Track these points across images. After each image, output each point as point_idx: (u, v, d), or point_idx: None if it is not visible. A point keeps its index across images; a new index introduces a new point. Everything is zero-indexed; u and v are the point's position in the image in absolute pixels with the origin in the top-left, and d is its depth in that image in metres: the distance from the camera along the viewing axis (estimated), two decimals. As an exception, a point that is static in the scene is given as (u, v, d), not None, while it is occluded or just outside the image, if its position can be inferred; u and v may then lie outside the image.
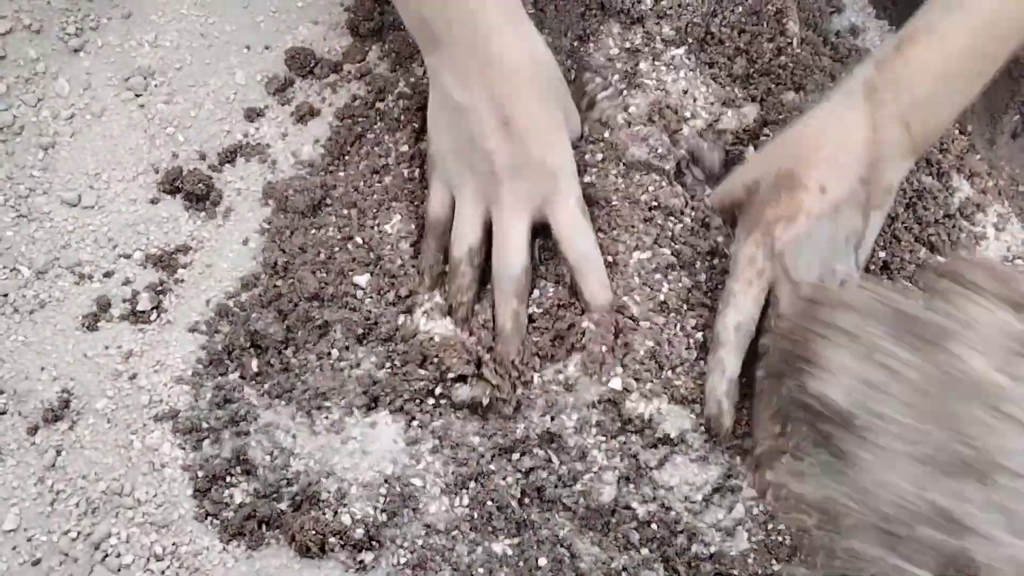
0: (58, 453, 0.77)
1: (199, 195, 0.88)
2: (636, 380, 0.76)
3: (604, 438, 0.77)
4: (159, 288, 0.84)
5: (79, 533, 0.75)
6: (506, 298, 0.79)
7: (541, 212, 0.79)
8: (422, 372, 0.79)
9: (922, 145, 0.78)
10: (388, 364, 0.80)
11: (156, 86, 0.93)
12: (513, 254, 0.78)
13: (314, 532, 0.73)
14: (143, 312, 0.83)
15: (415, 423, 0.78)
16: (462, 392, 0.78)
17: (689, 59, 0.90)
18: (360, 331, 0.80)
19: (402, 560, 0.74)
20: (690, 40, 0.91)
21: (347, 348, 0.80)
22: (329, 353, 0.80)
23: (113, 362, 0.81)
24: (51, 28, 0.93)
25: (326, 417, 0.78)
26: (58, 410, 0.78)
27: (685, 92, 0.88)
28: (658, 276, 0.80)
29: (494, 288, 0.80)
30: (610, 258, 0.80)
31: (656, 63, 0.89)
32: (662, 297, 0.79)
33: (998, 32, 0.74)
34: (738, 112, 0.89)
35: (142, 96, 0.92)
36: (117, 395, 0.80)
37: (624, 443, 0.77)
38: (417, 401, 0.78)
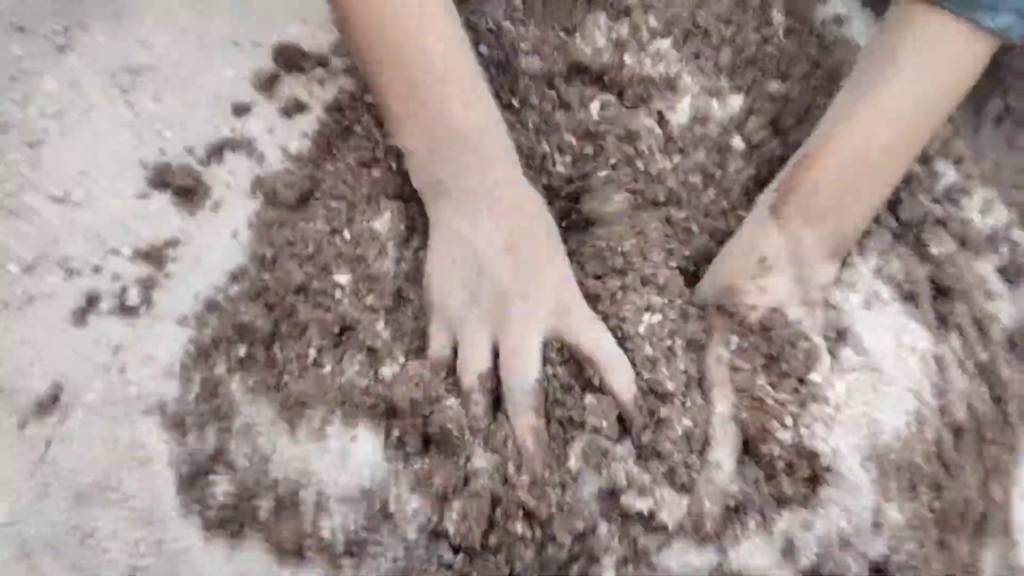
0: (48, 446, 0.77)
1: (188, 189, 0.88)
2: (670, 470, 0.75)
3: (605, 521, 0.75)
4: (148, 282, 0.84)
5: (67, 526, 0.75)
6: (523, 411, 0.76)
7: (551, 327, 0.78)
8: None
9: (840, 248, 0.80)
10: (370, 373, 0.79)
11: (143, 83, 0.93)
12: (525, 365, 0.76)
13: (292, 542, 0.73)
14: (132, 307, 0.83)
15: (394, 436, 0.77)
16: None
17: (675, 50, 0.90)
18: (336, 330, 0.80)
19: (384, 567, 0.74)
20: (676, 31, 0.91)
21: (324, 349, 0.80)
22: (307, 354, 0.80)
23: (102, 356, 0.81)
24: (37, 26, 0.93)
25: (306, 424, 0.78)
26: (48, 404, 0.78)
27: (671, 84, 0.89)
28: (668, 343, 0.79)
29: (508, 405, 0.77)
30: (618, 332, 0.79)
31: (642, 55, 0.90)
32: (682, 366, 0.78)
33: (886, 143, 0.77)
34: (724, 102, 0.89)
35: (129, 93, 0.92)
36: (106, 388, 0.80)
37: (623, 526, 0.75)
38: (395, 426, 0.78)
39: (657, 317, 0.79)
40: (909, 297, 0.81)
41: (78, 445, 0.77)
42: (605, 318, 0.80)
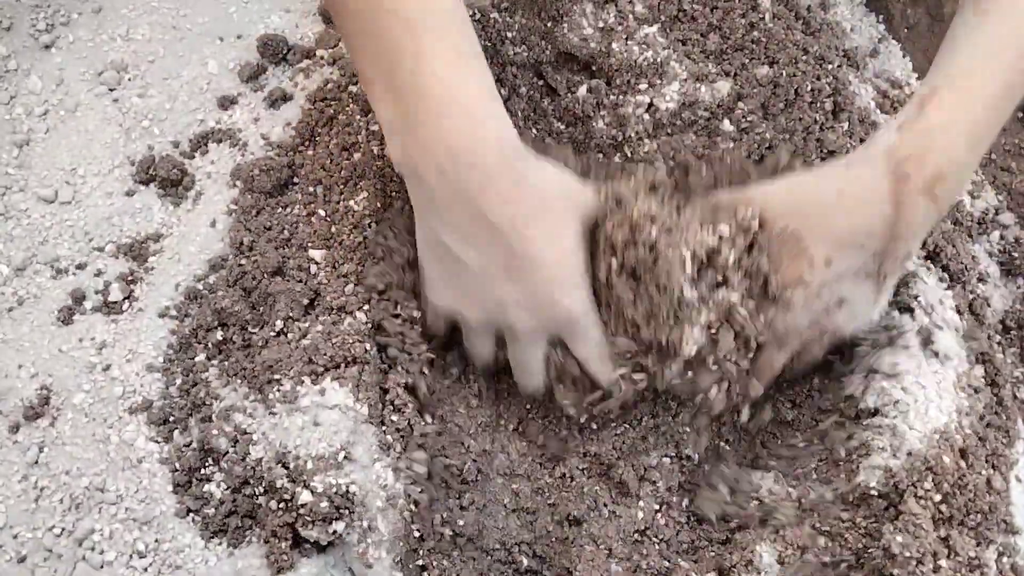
0: (40, 450, 0.77)
1: (174, 181, 0.87)
2: None
3: None
4: (130, 277, 0.84)
5: (63, 530, 0.74)
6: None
7: (552, 335, 0.75)
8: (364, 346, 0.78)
9: (947, 208, 0.72)
10: (334, 332, 0.79)
11: (129, 80, 0.92)
12: (528, 378, 0.78)
13: (279, 529, 0.73)
14: (115, 302, 0.83)
15: (361, 390, 0.77)
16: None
17: (662, 37, 0.90)
18: (305, 302, 0.80)
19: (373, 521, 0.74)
20: (663, 18, 0.91)
21: (292, 319, 0.80)
22: (274, 323, 0.80)
23: (88, 355, 0.81)
24: (21, 24, 0.93)
25: (278, 390, 0.77)
26: (38, 407, 0.78)
27: (659, 70, 0.89)
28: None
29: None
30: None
31: (629, 42, 0.89)
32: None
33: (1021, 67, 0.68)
34: (711, 87, 0.89)
35: (116, 90, 0.92)
36: (93, 388, 0.79)
37: None
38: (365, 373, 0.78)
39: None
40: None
41: (70, 448, 0.77)
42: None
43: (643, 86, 0.88)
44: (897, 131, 0.70)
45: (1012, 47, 0.67)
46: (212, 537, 0.75)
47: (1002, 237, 0.88)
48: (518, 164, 0.70)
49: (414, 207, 0.74)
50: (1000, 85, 0.67)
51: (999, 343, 0.83)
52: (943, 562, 0.72)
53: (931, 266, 0.82)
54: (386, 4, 0.66)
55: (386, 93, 0.68)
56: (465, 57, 0.68)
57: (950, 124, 0.67)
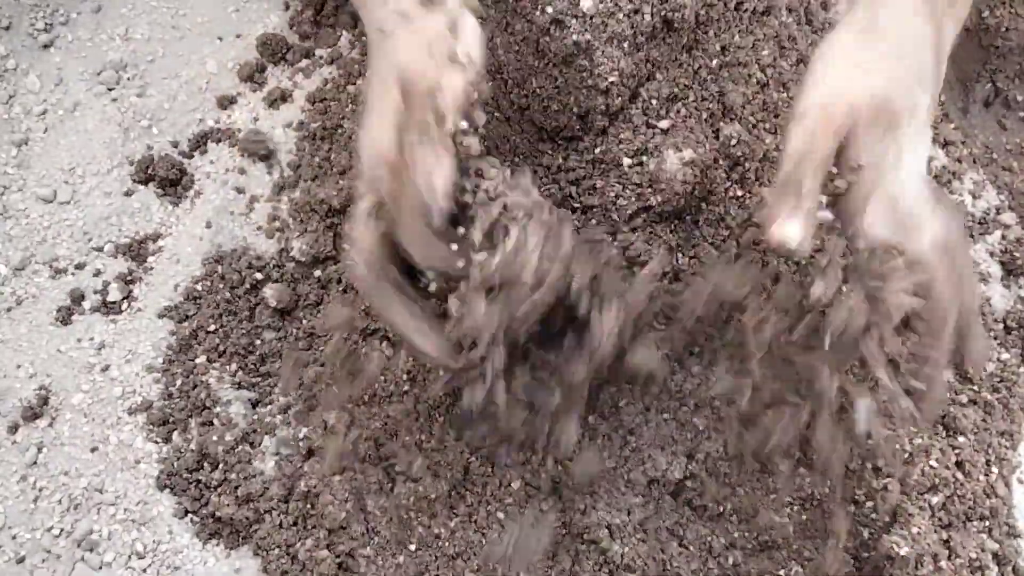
0: (39, 450, 0.77)
1: (172, 180, 0.87)
2: None
3: None
4: (129, 277, 0.84)
5: (62, 530, 0.75)
6: None
7: None
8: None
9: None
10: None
11: (129, 79, 0.92)
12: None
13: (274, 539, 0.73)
14: (114, 302, 0.83)
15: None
16: None
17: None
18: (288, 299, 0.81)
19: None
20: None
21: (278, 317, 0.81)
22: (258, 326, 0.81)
23: (86, 355, 0.81)
24: (20, 24, 0.92)
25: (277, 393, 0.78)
26: (37, 408, 0.78)
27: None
28: None
29: None
30: None
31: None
32: None
33: None
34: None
35: (115, 90, 0.92)
36: (92, 389, 0.79)
37: None
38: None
39: None
40: None
41: (69, 448, 0.77)
42: None
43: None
44: None
45: None
46: (210, 538, 0.75)
47: (1003, 237, 0.88)
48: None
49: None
50: None
51: (1001, 343, 0.83)
52: (944, 563, 0.71)
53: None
54: None
55: None
56: None
57: None
